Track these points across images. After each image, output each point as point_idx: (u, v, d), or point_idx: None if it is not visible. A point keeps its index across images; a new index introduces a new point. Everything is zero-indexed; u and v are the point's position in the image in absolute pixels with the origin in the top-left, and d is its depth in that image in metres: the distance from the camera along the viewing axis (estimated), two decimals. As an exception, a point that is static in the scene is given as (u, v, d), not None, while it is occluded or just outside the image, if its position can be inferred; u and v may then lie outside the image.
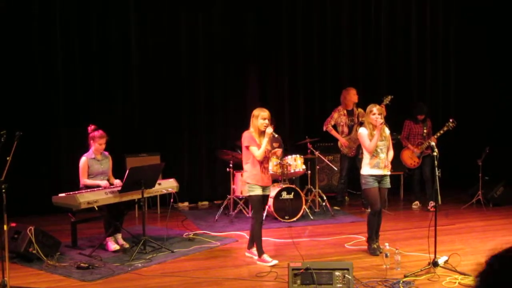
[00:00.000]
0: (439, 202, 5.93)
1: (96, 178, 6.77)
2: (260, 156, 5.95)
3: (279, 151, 6.37)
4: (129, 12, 9.12)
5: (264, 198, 6.16)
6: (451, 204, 9.01)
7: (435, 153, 5.84)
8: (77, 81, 8.92)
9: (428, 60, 10.80)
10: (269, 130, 5.93)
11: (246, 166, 6.07)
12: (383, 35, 10.49)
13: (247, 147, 6.00)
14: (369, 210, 6.59)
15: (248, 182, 6.04)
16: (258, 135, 6.02)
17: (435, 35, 10.78)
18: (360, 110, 8.72)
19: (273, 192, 7.96)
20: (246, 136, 6.04)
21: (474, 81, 10.82)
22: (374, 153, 6.25)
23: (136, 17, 9.17)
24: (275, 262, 6.00)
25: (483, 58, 10.86)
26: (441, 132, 8.44)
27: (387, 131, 6.40)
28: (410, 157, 8.91)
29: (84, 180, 6.71)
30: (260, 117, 5.97)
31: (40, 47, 8.70)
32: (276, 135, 6.13)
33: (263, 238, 6.17)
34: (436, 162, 5.78)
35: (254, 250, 6.22)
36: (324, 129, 8.92)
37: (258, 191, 6.01)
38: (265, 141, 5.95)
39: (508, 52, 10.68)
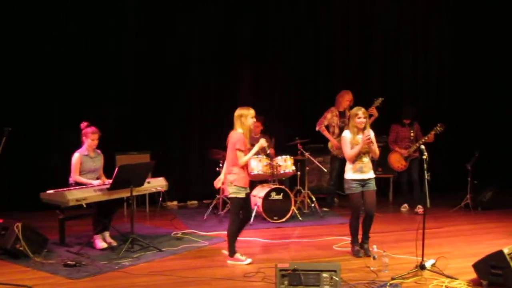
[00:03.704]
0: (427, 205, 5.93)
1: (88, 175, 6.73)
2: (243, 163, 5.89)
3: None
4: (125, 12, 9.11)
5: (246, 197, 6.08)
6: (440, 208, 9.05)
7: (424, 157, 5.75)
8: (69, 79, 8.88)
9: (421, 64, 10.85)
10: (263, 142, 5.98)
11: (235, 169, 5.92)
12: (375, 35, 10.53)
13: (238, 150, 5.87)
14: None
15: (235, 185, 5.91)
16: (248, 135, 5.98)
17: (428, 39, 10.83)
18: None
19: (262, 192, 7.98)
20: (238, 138, 5.89)
21: (465, 85, 10.87)
22: (357, 158, 6.17)
23: (132, 16, 9.17)
24: (249, 260, 5.99)
25: (475, 63, 10.90)
26: (426, 138, 8.47)
27: (371, 132, 6.24)
28: (398, 161, 8.93)
29: (76, 177, 6.65)
30: (250, 116, 5.91)
31: (35, 45, 8.66)
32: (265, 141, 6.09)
33: (251, 239, 6.17)
34: (425, 165, 5.74)
35: (239, 255, 6.06)
36: (317, 129, 8.90)
37: (243, 194, 5.95)
38: (253, 151, 5.96)
39: (499, 58, 10.74)
